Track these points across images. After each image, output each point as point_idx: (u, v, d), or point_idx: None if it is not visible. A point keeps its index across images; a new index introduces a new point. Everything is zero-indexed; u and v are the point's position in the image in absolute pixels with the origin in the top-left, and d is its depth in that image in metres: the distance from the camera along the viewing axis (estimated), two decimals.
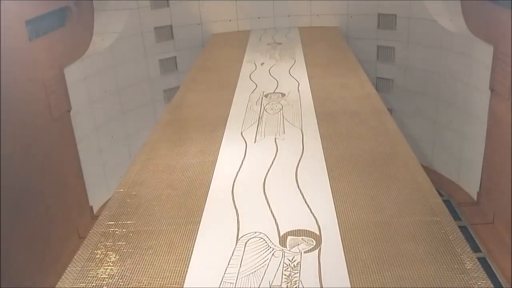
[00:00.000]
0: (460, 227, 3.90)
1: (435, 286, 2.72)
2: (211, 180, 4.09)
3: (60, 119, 6.87)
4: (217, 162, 4.42)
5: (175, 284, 2.85)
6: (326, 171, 4.12)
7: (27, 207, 5.82)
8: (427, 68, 8.33)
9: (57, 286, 2.90)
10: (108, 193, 6.78)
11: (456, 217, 6.97)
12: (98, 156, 7.95)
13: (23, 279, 5.49)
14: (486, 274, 2.80)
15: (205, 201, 3.77)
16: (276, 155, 4.51)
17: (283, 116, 5.40)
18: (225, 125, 5.23)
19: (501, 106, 6.43)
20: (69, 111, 7.10)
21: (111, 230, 3.43)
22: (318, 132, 4.91)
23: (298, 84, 6.42)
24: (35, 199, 6.04)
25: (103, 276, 2.96)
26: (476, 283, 2.73)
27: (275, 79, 6.71)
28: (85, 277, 2.96)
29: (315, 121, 5.20)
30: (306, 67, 7.11)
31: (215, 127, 5.19)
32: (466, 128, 7.54)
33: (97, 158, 7.93)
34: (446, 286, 2.72)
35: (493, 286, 2.72)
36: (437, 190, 3.96)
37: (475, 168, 7.28)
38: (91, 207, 7.65)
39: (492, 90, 6.68)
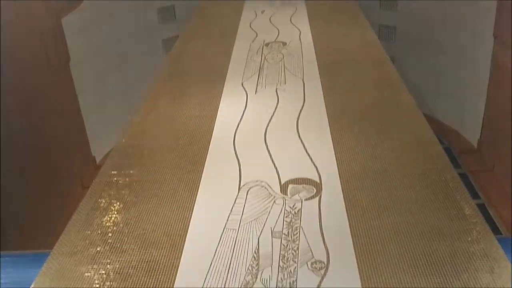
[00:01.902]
0: (460, 174, 3.95)
1: (433, 232, 2.78)
2: (212, 131, 4.11)
3: (60, 71, 6.82)
4: (218, 112, 4.42)
5: (179, 230, 2.91)
6: (327, 121, 4.13)
7: (30, 160, 5.87)
8: (431, 15, 8.18)
9: (63, 234, 2.96)
10: (110, 143, 6.81)
11: (456, 164, 7.04)
12: (99, 107, 7.94)
13: (29, 230, 5.61)
14: (484, 220, 2.86)
15: (207, 151, 3.80)
16: (277, 105, 4.50)
17: (284, 66, 5.35)
18: (226, 76, 5.19)
19: (505, 53, 6.36)
20: (68, 62, 7.03)
21: (115, 180, 3.48)
22: (320, 82, 4.88)
23: (300, 33, 6.31)
24: (38, 152, 6.09)
25: (108, 224, 3.02)
26: (475, 228, 2.79)
27: (276, 27, 6.59)
28: (90, 225, 3.02)
29: (317, 70, 5.16)
30: (308, 15, 6.98)
31: (215, 78, 5.15)
32: (469, 76, 7.49)
33: (98, 109, 7.92)
34: (444, 232, 2.78)
35: (491, 231, 2.77)
36: (438, 139, 3.98)
37: (476, 115, 7.28)
38: (94, 157, 7.72)
39: (496, 37, 6.58)
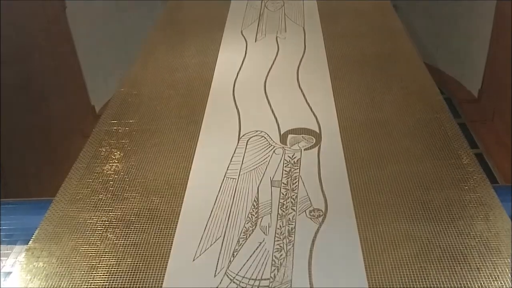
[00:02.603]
0: (459, 124, 3.95)
1: (430, 181, 2.81)
2: (211, 80, 4.08)
3: (56, 19, 6.69)
4: (217, 61, 4.37)
5: (180, 179, 2.95)
6: (328, 71, 4.09)
7: (30, 111, 5.86)
8: None
9: (64, 182, 3.00)
10: (108, 92, 6.77)
11: (456, 114, 7.04)
12: (97, 56, 7.84)
13: (31, 179, 5.67)
14: (481, 169, 2.89)
15: (207, 101, 3.79)
16: (277, 54, 4.45)
17: (284, 14, 5.24)
18: (225, 24, 5.10)
19: (508, 2, 6.22)
20: (64, 10, 6.88)
21: (114, 129, 3.48)
22: (321, 30, 4.80)
23: None
24: (37, 103, 6.06)
25: (109, 172, 3.05)
26: (472, 177, 2.82)
27: None
28: (91, 173, 3.05)
29: (318, 18, 5.06)
30: None
31: (214, 26, 5.06)
32: (472, 25, 7.35)
33: (96, 58, 7.82)
34: (441, 180, 2.81)
35: (487, 180, 2.80)
36: (440, 89, 3.96)
37: (478, 65, 7.21)
38: (93, 107, 7.70)
39: None
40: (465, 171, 2.87)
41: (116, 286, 2.30)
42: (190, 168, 3.05)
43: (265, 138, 3.28)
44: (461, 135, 3.19)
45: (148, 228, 2.61)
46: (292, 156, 3.08)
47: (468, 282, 2.19)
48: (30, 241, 2.59)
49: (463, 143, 3.10)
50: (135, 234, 2.58)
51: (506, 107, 6.30)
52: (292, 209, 2.68)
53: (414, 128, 3.31)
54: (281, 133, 3.32)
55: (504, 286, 2.17)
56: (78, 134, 6.87)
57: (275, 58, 4.36)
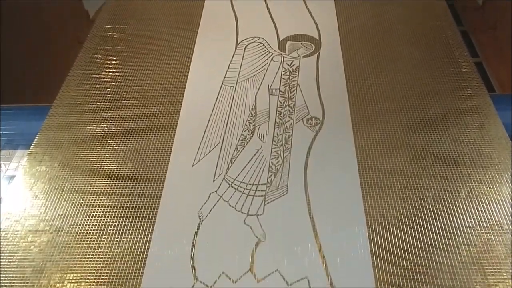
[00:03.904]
0: (461, 32, 3.87)
1: (428, 89, 2.81)
2: None
3: None
4: None
5: (177, 86, 2.94)
6: None
7: (24, 20, 5.68)
8: None
9: (62, 88, 2.98)
10: None
11: (458, 22, 6.86)
12: None
13: (28, 86, 5.63)
14: (480, 78, 2.87)
15: (203, 5, 3.67)
16: None
17: None
18: None
19: None
20: None
21: (109, 34, 3.41)
22: None
23: None
24: (32, 10, 5.86)
25: (106, 79, 3.03)
26: (469, 85, 2.82)
27: None
28: (88, 80, 3.03)
29: None
30: None
31: None
32: None
33: None
34: (439, 89, 2.81)
35: (485, 89, 2.80)
36: None
37: None
38: (87, 12, 7.46)
39: None
40: (463, 79, 2.86)
41: (117, 188, 2.37)
42: (187, 75, 3.02)
43: (263, 44, 3.22)
44: (463, 44, 3.13)
45: (147, 134, 2.64)
46: (291, 64, 3.04)
47: (458, 187, 2.27)
48: (31, 146, 2.63)
49: (464, 52, 3.06)
50: (134, 140, 2.62)
51: (509, 16, 6.12)
52: (289, 117, 2.70)
53: (416, 36, 3.24)
54: (280, 39, 3.25)
55: (492, 191, 2.25)
56: (72, 41, 6.72)
57: None
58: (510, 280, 1.94)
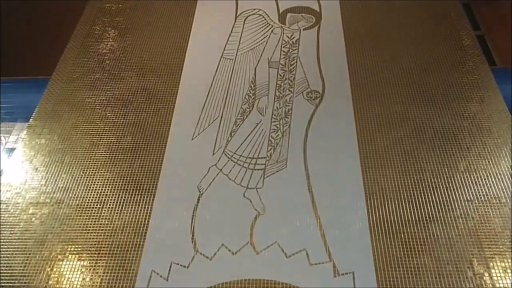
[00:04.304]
0: (463, 4, 3.82)
1: (429, 62, 2.79)
2: None
3: None
4: None
5: (176, 59, 2.91)
6: None
7: None
8: None
9: (60, 60, 2.96)
10: None
11: None
12: None
13: (27, 60, 5.58)
14: (481, 51, 2.85)
15: None
16: None
17: None
18: None
19: None
20: None
21: (107, 6, 3.36)
22: None
23: None
24: None
25: (104, 51, 3.00)
26: (471, 59, 2.80)
27: None
28: (86, 52, 3.00)
29: None
30: None
31: None
32: None
33: None
34: (440, 62, 2.79)
35: (486, 62, 2.78)
36: None
37: None
38: None
39: None
40: (465, 53, 2.84)
41: (117, 161, 2.38)
42: (186, 47, 2.99)
43: (263, 17, 3.18)
44: (465, 16, 3.10)
45: (146, 107, 2.63)
46: (291, 36, 3.01)
47: (457, 161, 2.28)
48: (31, 119, 2.63)
49: (466, 24, 3.03)
50: (133, 113, 2.61)
51: None
52: (289, 90, 2.69)
53: (418, 8, 3.20)
54: (280, 11, 3.21)
55: (491, 164, 2.26)
56: (69, 12, 6.63)
57: None
58: (506, 252, 1.97)
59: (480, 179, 2.21)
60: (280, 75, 2.78)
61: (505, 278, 1.90)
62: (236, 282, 1.95)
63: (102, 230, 2.13)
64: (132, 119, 2.58)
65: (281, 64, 2.84)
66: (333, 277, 1.94)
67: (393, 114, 2.51)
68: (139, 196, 2.24)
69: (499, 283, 1.89)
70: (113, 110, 2.63)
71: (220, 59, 2.90)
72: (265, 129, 2.50)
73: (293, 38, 3.00)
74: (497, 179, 2.21)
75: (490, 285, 1.89)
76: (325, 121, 2.51)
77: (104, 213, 2.19)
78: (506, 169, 2.24)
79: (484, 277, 1.91)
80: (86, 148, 2.46)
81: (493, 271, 1.92)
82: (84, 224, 2.16)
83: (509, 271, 1.92)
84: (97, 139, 2.49)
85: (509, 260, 1.95)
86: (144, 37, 3.09)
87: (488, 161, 2.27)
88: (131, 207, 2.20)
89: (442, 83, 2.66)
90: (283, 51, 2.92)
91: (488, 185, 2.19)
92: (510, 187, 2.18)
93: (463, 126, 2.43)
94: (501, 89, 2.61)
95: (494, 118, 2.46)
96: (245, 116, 2.58)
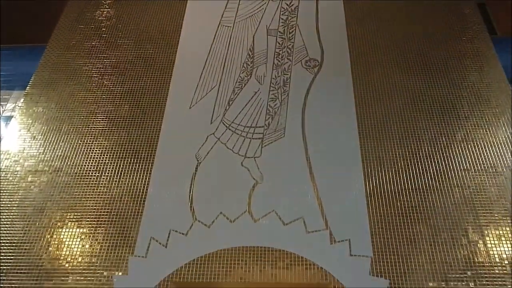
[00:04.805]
0: None
1: (429, 31, 2.76)
2: None
3: None
4: None
5: (173, 26, 2.88)
6: None
7: None
8: None
9: (56, 28, 2.92)
10: None
11: None
12: None
13: (24, 27, 5.50)
14: (482, 20, 2.82)
15: None
16: None
17: None
18: None
19: None
20: None
21: None
22: None
23: None
24: None
25: (101, 18, 2.96)
26: (471, 28, 2.77)
27: None
28: (83, 19, 2.96)
29: None
30: None
31: None
32: None
33: None
34: (440, 31, 2.76)
35: (486, 31, 2.76)
36: None
37: None
38: None
39: None
40: (465, 21, 2.80)
41: (115, 130, 2.38)
42: (183, 15, 2.95)
43: None
44: None
45: (143, 76, 2.62)
46: (290, 4, 2.97)
47: (455, 130, 2.28)
48: (28, 87, 2.61)
49: None
50: (130, 81, 2.59)
51: None
52: (288, 58, 2.67)
53: None
54: None
55: (489, 134, 2.27)
56: None
57: None
58: (501, 221, 2.00)
59: (477, 149, 2.22)
60: (279, 43, 2.75)
61: (499, 246, 1.93)
62: (234, 250, 1.98)
63: (101, 198, 2.15)
64: (129, 87, 2.57)
65: (279, 32, 2.81)
66: (330, 245, 1.97)
67: (392, 83, 2.50)
68: (137, 164, 2.24)
69: (492, 251, 1.92)
70: (110, 78, 2.62)
71: (218, 26, 2.87)
72: (263, 98, 2.50)
73: (292, 5, 2.96)
74: (494, 148, 2.22)
75: (484, 252, 1.92)
76: (323, 90, 2.50)
77: (102, 181, 2.20)
78: (504, 138, 2.25)
79: (478, 245, 1.94)
80: (83, 116, 2.45)
81: (487, 238, 1.95)
82: (83, 192, 2.17)
83: (503, 239, 1.95)
84: (95, 107, 2.48)
85: (504, 228, 1.98)
86: (140, 5, 3.04)
87: (486, 131, 2.28)
88: (130, 175, 2.21)
89: (441, 52, 2.64)
90: (282, 19, 2.88)
91: (485, 154, 2.20)
92: (507, 156, 2.19)
93: (461, 96, 2.43)
94: (501, 58, 2.60)
95: (493, 87, 2.46)
96: (243, 85, 2.57)
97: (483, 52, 2.63)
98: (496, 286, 1.84)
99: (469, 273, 1.88)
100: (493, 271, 1.88)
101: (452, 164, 2.17)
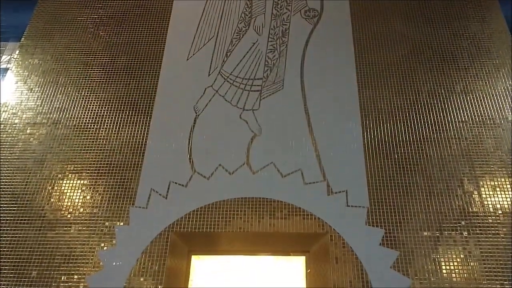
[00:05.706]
0: None
1: None
2: None
3: None
4: None
5: None
6: None
7: None
8: None
9: None
10: None
11: None
12: None
13: None
14: None
15: None
16: None
17: None
18: None
19: None
20: None
21: None
22: None
23: None
24: None
25: None
26: None
27: None
28: None
29: None
30: None
31: None
32: None
33: None
34: None
35: None
36: None
37: None
38: None
39: None
40: None
41: (112, 82, 2.36)
42: None
43: None
44: None
45: (140, 26, 2.57)
46: None
47: (454, 82, 2.27)
48: (22, 38, 2.57)
49: None
50: (127, 32, 2.55)
51: None
52: (286, 8, 2.62)
53: None
54: None
55: (488, 85, 2.26)
56: None
57: None
58: (497, 172, 2.02)
59: (476, 100, 2.22)
60: None
61: (494, 196, 1.97)
62: (233, 201, 2.01)
63: (101, 149, 2.16)
64: (125, 38, 2.53)
65: None
66: (327, 196, 2.00)
67: (392, 33, 2.47)
68: (136, 117, 2.24)
69: (487, 201, 1.96)
70: (105, 29, 2.57)
71: None
72: (261, 49, 2.47)
73: None
74: (493, 100, 2.21)
75: (479, 202, 1.95)
76: (323, 41, 2.47)
77: (101, 133, 2.21)
78: (503, 90, 2.24)
79: (473, 195, 1.97)
80: (80, 68, 2.43)
81: (482, 189, 1.99)
82: (82, 144, 2.18)
83: (498, 189, 1.98)
84: (91, 59, 2.45)
85: (499, 179, 2.01)
86: None
87: (486, 82, 2.27)
88: (128, 128, 2.22)
89: (442, 1, 2.59)
90: None
91: (484, 106, 2.20)
92: (505, 107, 2.19)
93: (462, 46, 2.40)
94: (503, 8, 2.55)
95: (494, 38, 2.43)
96: (241, 35, 2.53)
97: (486, 1, 2.58)
98: (489, 235, 1.89)
99: (463, 222, 1.92)
100: (487, 221, 1.92)
101: (450, 116, 2.17)
